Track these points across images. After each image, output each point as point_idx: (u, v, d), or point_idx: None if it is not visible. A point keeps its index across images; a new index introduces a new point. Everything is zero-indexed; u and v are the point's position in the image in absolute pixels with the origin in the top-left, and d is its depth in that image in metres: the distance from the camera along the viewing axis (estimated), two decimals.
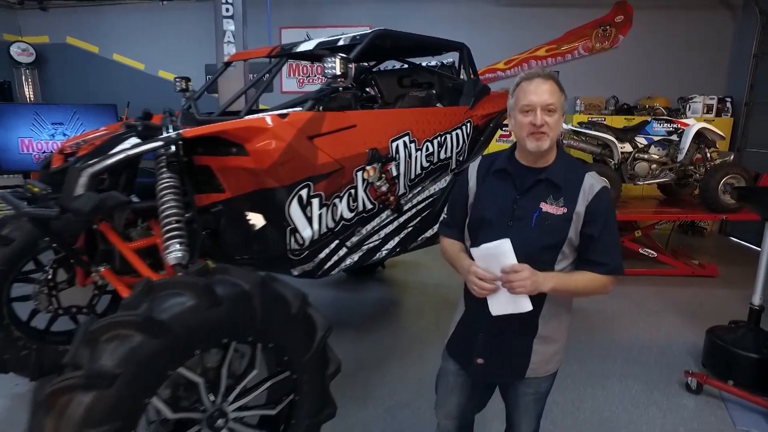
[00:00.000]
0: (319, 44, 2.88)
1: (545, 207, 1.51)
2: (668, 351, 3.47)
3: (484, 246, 1.45)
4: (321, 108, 2.32)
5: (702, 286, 4.77)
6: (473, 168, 1.69)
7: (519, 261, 1.43)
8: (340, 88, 2.26)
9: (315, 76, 7.96)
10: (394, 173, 2.66)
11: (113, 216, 2.19)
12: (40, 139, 4.71)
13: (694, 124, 4.92)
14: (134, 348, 1.44)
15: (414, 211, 2.93)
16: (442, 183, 3.04)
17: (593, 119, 6.39)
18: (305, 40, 3.03)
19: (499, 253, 1.42)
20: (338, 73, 2.14)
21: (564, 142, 5.30)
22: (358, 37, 2.65)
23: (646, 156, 5.11)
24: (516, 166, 1.57)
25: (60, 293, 2.96)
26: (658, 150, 5.13)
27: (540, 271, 1.44)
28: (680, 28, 6.88)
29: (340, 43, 2.75)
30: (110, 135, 2.20)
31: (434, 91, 3.29)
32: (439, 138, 2.90)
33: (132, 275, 2.27)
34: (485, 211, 1.59)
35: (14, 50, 8.31)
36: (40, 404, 1.39)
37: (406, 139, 2.67)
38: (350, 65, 2.15)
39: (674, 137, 5.05)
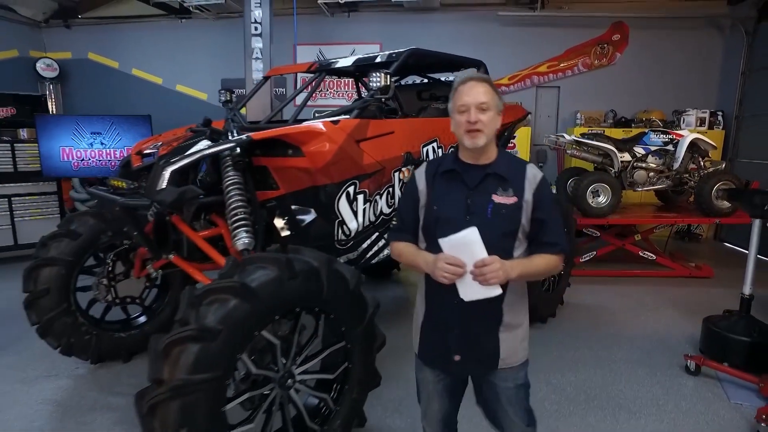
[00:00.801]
0: (357, 60, 3.22)
1: (497, 198, 1.59)
2: (668, 340, 3.77)
3: (452, 236, 1.48)
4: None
5: (698, 286, 5.09)
6: (420, 172, 1.74)
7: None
8: (383, 99, 2.60)
9: (327, 90, 8.33)
10: None
11: (183, 209, 2.50)
12: (80, 147, 5.02)
13: (688, 135, 5.29)
14: (231, 310, 1.75)
15: None
16: None
17: (593, 131, 6.76)
18: (343, 57, 3.36)
19: (468, 242, 1.47)
20: (381, 85, 2.48)
21: (567, 151, 5.66)
22: (394, 55, 3.00)
23: (644, 165, 5.47)
24: (462, 165, 1.65)
25: (117, 284, 3.27)
26: (655, 159, 5.49)
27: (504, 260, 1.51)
28: (673, 47, 7.31)
29: (378, 60, 3.09)
30: (185, 137, 2.52)
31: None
32: None
33: (198, 261, 2.58)
34: (441, 210, 1.64)
35: (40, 66, 8.70)
36: (158, 354, 1.69)
37: (435, 144, 3.01)
38: (392, 79, 2.49)
39: (670, 147, 5.41)
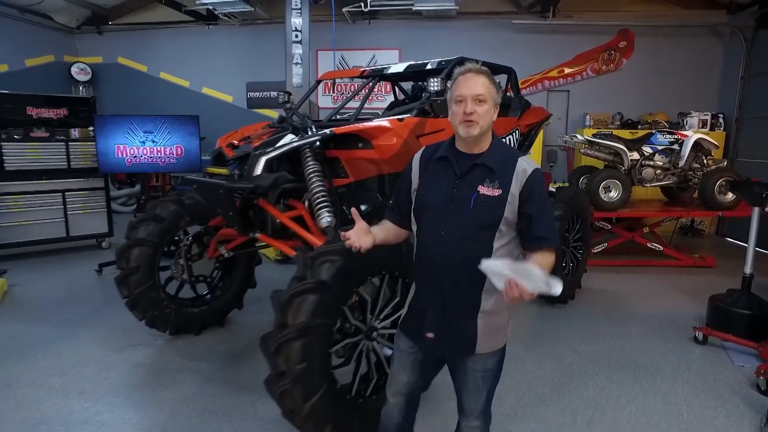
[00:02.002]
0: (409, 67, 3.65)
1: (482, 190, 1.59)
2: (676, 318, 4.20)
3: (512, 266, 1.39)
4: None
5: (702, 275, 5.52)
6: (416, 157, 1.78)
7: (456, 239, 1.58)
8: (439, 101, 3.03)
9: (348, 93, 8.76)
10: None
11: (268, 193, 2.92)
12: (133, 145, 5.42)
13: (692, 135, 5.73)
14: (339, 268, 2.17)
15: None
16: None
17: (602, 132, 7.20)
18: (394, 63, 3.76)
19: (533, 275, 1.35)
20: (439, 89, 2.92)
21: (581, 150, 6.11)
22: (443, 63, 3.44)
23: (651, 163, 5.91)
24: (456, 153, 1.66)
25: (192, 264, 3.69)
26: (662, 157, 5.93)
27: (480, 251, 1.52)
28: (677, 53, 7.78)
29: (428, 66, 3.52)
30: (270, 132, 2.94)
31: None
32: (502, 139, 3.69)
33: (281, 239, 3.00)
34: (428, 195, 1.67)
35: (74, 70, 9.16)
36: (282, 303, 2.12)
37: None
38: (448, 84, 2.92)
39: (675, 147, 5.85)
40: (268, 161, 2.72)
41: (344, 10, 7.95)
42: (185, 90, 9.53)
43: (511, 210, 1.59)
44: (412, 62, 3.71)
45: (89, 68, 9.34)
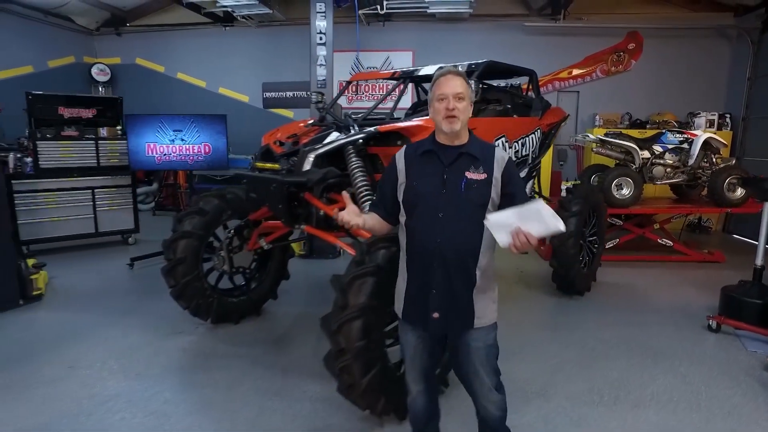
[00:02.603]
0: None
1: (469, 175, 1.79)
2: (689, 308, 4.40)
3: (527, 206, 1.60)
4: None
5: (711, 269, 5.72)
6: (400, 155, 1.95)
7: (453, 220, 1.77)
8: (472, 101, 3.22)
9: (363, 94, 8.96)
10: None
11: (313, 187, 3.12)
12: (162, 143, 5.62)
13: (702, 135, 5.93)
14: (393, 253, 2.37)
15: None
16: (522, 173, 4.02)
17: (613, 131, 7.41)
18: (425, 66, 3.94)
19: (542, 213, 1.55)
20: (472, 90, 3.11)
21: (593, 149, 6.31)
22: (473, 65, 3.64)
23: (661, 161, 6.11)
24: (439, 146, 1.86)
25: (233, 256, 3.89)
26: (672, 156, 6.13)
27: (475, 230, 1.77)
28: (684, 55, 7.98)
29: (460, 69, 3.71)
30: (316, 130, 3.15)
31: (509, 106, 4.27)
32: (522, 139, 3.89)
33: (326, 231, 3.20)
34: (419, 186, 1.84)
35: (94, 71, 9.38)
36: (343, 286, 2.32)
37: (503, 139, 3.65)
38: (479, 86, 3.13)
39: (685, 146, 6.06)
40: (316, 157, 2.93)
41: (360, 12, 8.14)
42: (202, 90, 9.74)
43: (495, 191, 1.81)
44: (443, 65, 3.89)
45: (108, 69, 9.56)
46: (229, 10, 8.29)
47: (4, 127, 7.32)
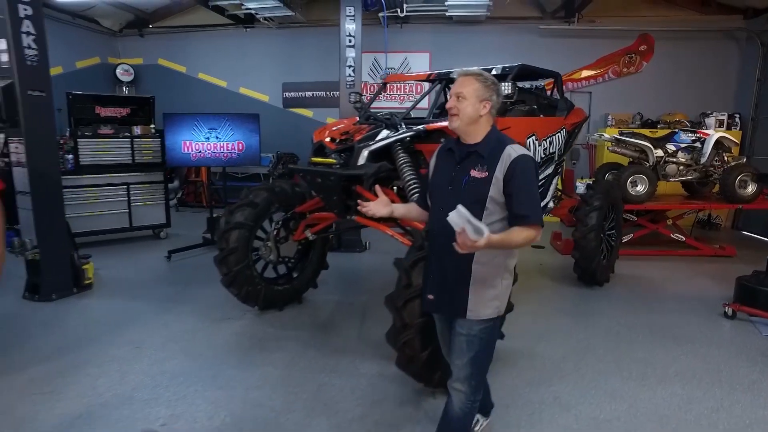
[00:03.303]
0: None
1: (473, 173, 1.86)
2: (705, 298, 4.64)
3: (451, 214, 1.64)
4: None
5: (723, 263, 5.97)
6: (436, 151, 2.11)
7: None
8: (508, 103, 3.48)
9: (387, 94, 9.18)
10: None
11: (364, 180, 3.37)
12: (198, 141, 5.87)
13: (714, 134, 6.18)
14: None
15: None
16: (549, 170, 4.28)
17: (623, 131, 7.65)
18: (458, 69, 4.19)
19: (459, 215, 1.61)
20: (509, 93, 3.37)
21: (608, 148, 6.56)
22: (507, 69, 3.89)
23: (674, 159, 6.36)
24: (458, 145, 1.97)
25: (279, 246, 4.15)
26: (684, 154, 6.38)
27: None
28: (694, 56, 8.22)
29: (493, 72, 3.98)
30: (368, 128, 3.40)
31: (535, 106, 4.52)
32: (550, 138, 4.15)
33: (374, 220, 3.45)
34: (435, 179, 2.02)
35: (119, 71, 9.65)
36: (407, 268, 2.58)
37: (534, 137, 3.90)
38: (516, 88, 3.38)
39: (697, 144, 6.31)
40: (370, 153, 3.18)
41: (380, 15, 8.39)
42: (223, 90, 10.00)
43: (496, 190, 1.82)
44: (477, 68, 4.15)
45: (132, 69, 9.83)
46: (253, 12, 8.55)
47: None
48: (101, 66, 9.63)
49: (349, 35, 5.87)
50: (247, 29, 9.73)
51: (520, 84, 5.05)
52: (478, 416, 2.40)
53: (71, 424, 2.59)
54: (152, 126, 6.66)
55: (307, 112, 9.64)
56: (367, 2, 6.54)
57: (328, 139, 3.49)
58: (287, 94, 9.71)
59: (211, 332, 3.81)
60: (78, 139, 6.04)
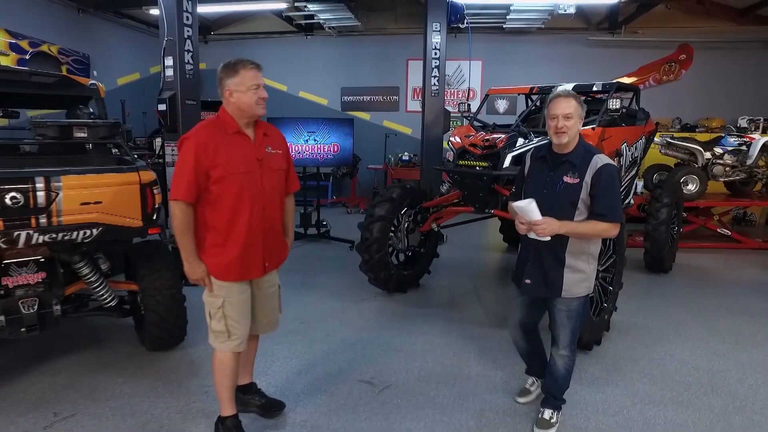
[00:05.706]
0: (576, 86, 4.74)
1: (566, 179, 2.22)
2: (764, 283, 5.35)
3: (516, 203, 2.21)
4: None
5: (766, 255, 6.68)
6: (528, 155, 2.49)
7: (550, 215, 2.14)
8: (615, 116, 4.16)
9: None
10: (621, 162, 4.60)
11: (499, 180, 4.03)
12: (297, 143, 6.54)
13: (760, 138, 6.89)
14: None
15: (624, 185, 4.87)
16: (633, 171, 5.00)
17: (663, 135, 8.32)
18: (561, 84, 4.85)
19: (526, 209, 2.15)
20: (618, 107, 4.06)
21: (660, 150, 7.27)
22: (607, 85, 4.58)
23: (721, 161, 7.07)
24: (551, 153, 2.33)
25: (408, 235, 4.82)
26: (731, 157, 7.08)
27: (559, 220, 2.15)
28: (731, 65, 8.92)
29: (594, 88, 4.66)
30: (508, 136, 4.07)
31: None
32: (636, 144, 4.86)
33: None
34: (530, 182, 2.38)
35: None
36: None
37: (626, 144, 4.60)
38: (623, 102, 4.07)
39: (743, 148, 7.01)
40: (512, 157, 3.87)
41: (461, 25, 9.04)
42: (283, 93, 10.64)
43: (585, 193, 2.21)
44: (578, 83, 4.82)
45: None
46: (322, 21, 9.20)
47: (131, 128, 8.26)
48: None
49: (435, 48, 6.54)
50: (308, 36, 10.37)
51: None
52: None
53: (307, 371, 3.26)
54: None
55: (364, 115, 10.30)
56: (451, 18, 7.20)
57: (471, 146, 4.16)
58: (346, 98, 10.38)
59: (358, 310, 4.47)
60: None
